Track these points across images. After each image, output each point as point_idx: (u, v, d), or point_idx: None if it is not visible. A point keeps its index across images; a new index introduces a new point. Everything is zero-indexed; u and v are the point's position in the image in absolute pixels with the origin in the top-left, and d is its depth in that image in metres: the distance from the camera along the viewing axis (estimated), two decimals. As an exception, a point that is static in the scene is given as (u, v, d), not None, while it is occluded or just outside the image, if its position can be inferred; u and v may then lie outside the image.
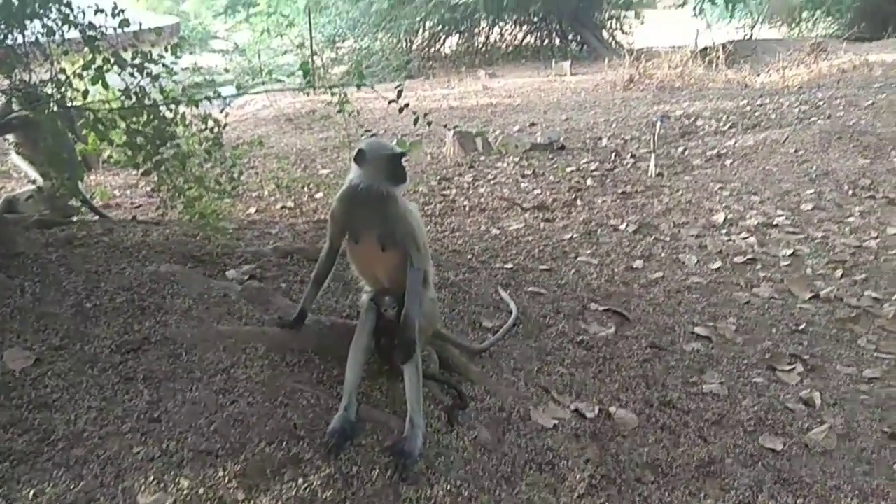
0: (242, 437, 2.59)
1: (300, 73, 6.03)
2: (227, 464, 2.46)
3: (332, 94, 5.04)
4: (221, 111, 4.63)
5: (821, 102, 11.10)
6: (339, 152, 9.49)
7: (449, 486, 2.55)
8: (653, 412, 3.38)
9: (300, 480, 2.44)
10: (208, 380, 2.86)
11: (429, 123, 4.25)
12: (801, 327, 4.52)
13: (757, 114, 10.78)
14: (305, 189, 7.37)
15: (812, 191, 7.03)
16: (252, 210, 6.45)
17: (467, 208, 6.57)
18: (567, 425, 3.09)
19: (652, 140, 8.00)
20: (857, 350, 4.34)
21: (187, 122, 4.09)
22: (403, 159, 2.91)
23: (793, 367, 4.04)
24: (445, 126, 4.45)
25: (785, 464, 3.16)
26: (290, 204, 6.61)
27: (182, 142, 3.88)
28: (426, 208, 6.60)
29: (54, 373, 2.76)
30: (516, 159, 8.60)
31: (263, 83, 13.09)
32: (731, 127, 10.05)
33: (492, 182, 7.59)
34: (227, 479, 2.36)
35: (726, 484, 2.96)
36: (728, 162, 8.25)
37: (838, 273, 5.34)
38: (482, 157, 8.77)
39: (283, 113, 12.68)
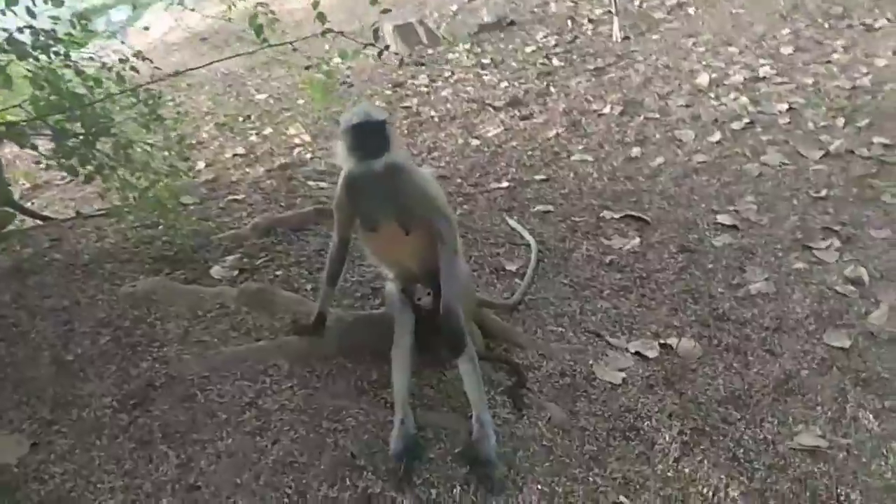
0: (299, 484, 2.26)
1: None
2: (292, 522, 2.15)
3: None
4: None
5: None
6: (269, 69, 8.66)
7: (539, 486, 2.30)
8: (712, 332, 3.15)
9: (379, 522, 2.16)
10: (237, 420, 2.48)
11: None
12: (821, 193, 4.30)
13: (703, -54, 10.07)
14: (247, 123, 6.67)
15: (787, 30, 6.63)
16: (201, 165, 5.75)
17: (436, 119, 5.99)
18: (635, 374, 2.84)
19: (613, 1, 7.34)
20: (884, 208, 4.17)
21: (116, 99, 3.40)
22: (370, 127, 2.30)
23: (828, 242, 3.85)
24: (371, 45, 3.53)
25: (858, 361, 3.01)
26: (241, 150, 5.93)
27: (117, 129, 3.22)
28: (390, 127, 6.01)
29: (58, 456, 2.34)
30: (467, 47, 7.90)
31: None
32: (680, -34, 9.37)
33: (451, 81, 6.94)
34: (296, 542, 2.06)
35: (809, 400, 2.80)
36: (691, 11, 7.72)
37: (840, 122, 5.08)
38: (429, 51, 8.04)
39: (195, 32, 11.41)
